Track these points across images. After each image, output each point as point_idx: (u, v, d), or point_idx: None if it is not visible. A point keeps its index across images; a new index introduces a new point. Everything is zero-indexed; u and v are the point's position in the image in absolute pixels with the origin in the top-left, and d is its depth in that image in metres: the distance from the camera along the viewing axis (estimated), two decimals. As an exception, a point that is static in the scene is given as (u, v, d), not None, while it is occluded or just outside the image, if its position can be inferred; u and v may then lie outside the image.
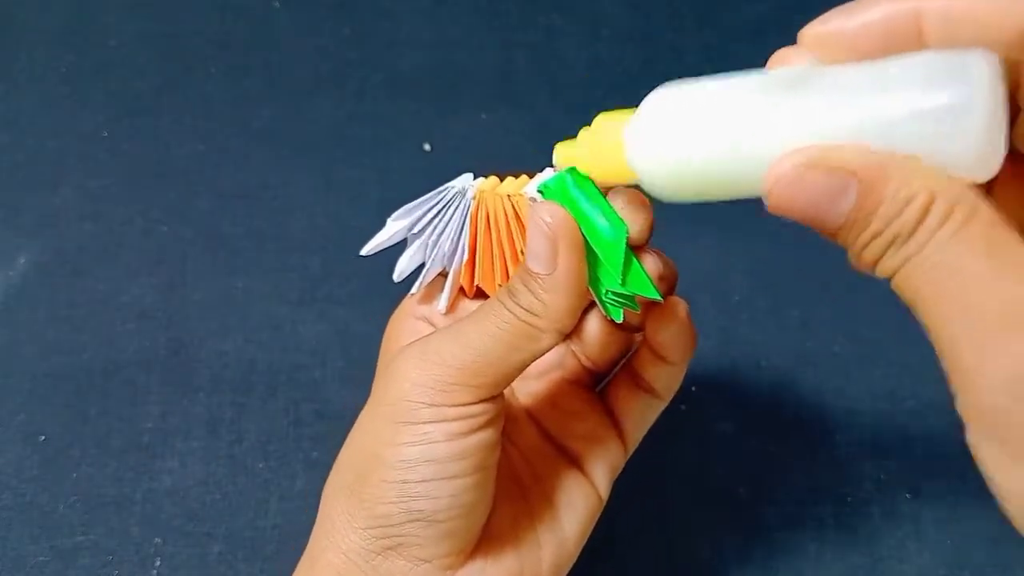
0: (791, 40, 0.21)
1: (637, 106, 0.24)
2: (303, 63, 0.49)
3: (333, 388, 0.41)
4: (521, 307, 0.25)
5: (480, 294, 0.30)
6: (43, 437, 0.39)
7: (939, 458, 0.40)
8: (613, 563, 0.38)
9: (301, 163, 0.46)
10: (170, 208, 0.44)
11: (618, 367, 0.32)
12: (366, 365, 0.41)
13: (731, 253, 0.45)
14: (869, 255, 0.20)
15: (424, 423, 0.25)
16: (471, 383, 0.25)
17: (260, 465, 0.39)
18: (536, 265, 0.24)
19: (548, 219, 0.24)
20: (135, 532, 0.38)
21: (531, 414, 0.31)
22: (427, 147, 0.47)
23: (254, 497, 0.39)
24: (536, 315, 0.25)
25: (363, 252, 0.30)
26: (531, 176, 0.27)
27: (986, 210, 0.19)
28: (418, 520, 0.25)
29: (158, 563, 0.37)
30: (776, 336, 0.43)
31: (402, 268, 0.30)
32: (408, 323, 0.30)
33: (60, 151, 0.46)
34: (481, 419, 0.25)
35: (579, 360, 0.32)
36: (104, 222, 0.44)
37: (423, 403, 0.25)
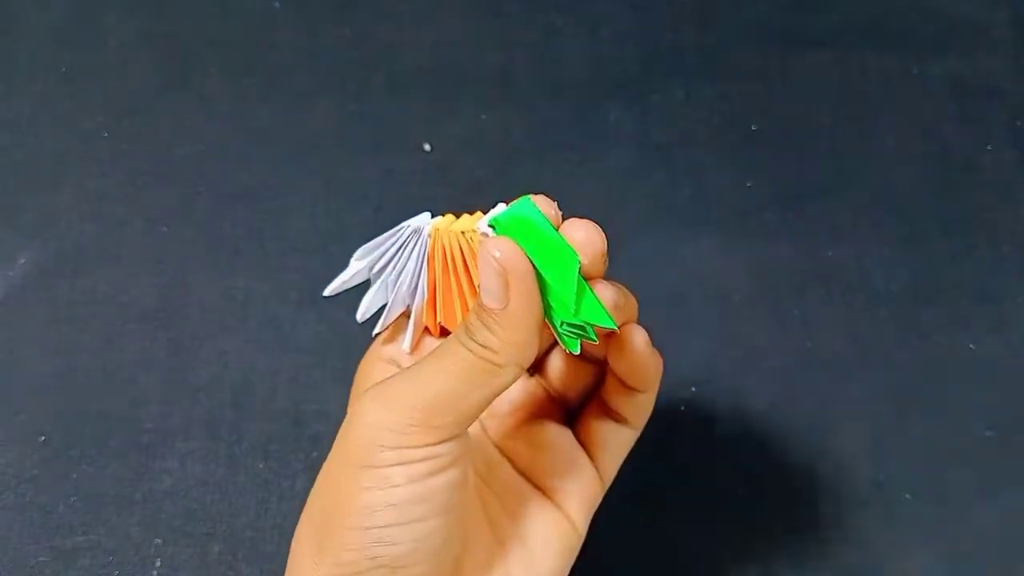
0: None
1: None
2: (303, 63, 0.49)
3: (333, 388, 0.41)
4: (477, 343, 0.25)
5: (445, 333, 0.30)
6: (43, 437, 0.39)
7: (939, 458, 0.40)
8: (612, 564, 0.38)
9: (301, 163, 0.46)
10: (170, 208, 0.44)
11: (589, 398, 0.32)
12: (366, 365, 0.41)
13: (731, 253, 0.45)
14: None
15: (385, 467, 0.24)
16: (432, 423, 0.24)
17: (260, 465, 0.39)
18: (489, 300, 0.24)
19: (497, 254, 0.24)
20: (135, 532, 0.38)
21: (503, 451, 0.31)
22: (427, 147, 0.47)
23: (254, 497, 0.39)
24: (493, 351, 0.25)
25: (326, 293, 0.29)
26: (484, 212, 0.27)
27: None
28: (382, 567, 0.24)
29: (158, 563, 0.37)
30: (776, 336, 0.43)
31: (365, 308, 0.30)
32: (377, 366, 0.30)
33: (60, 151, 0.46)
34: (444, 460, 0.25)
35: (548, 393, 0.32)
36: (104, 222, 0.44)
37: (384, 445, 0.24)
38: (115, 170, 0.45)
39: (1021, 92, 0.50)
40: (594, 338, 0.26)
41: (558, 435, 0.31)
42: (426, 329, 0.30)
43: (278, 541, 0.38)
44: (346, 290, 0.30)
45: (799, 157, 0.47)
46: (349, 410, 0.28)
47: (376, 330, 0.30)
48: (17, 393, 0.40)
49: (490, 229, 0.26)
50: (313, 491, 0.27)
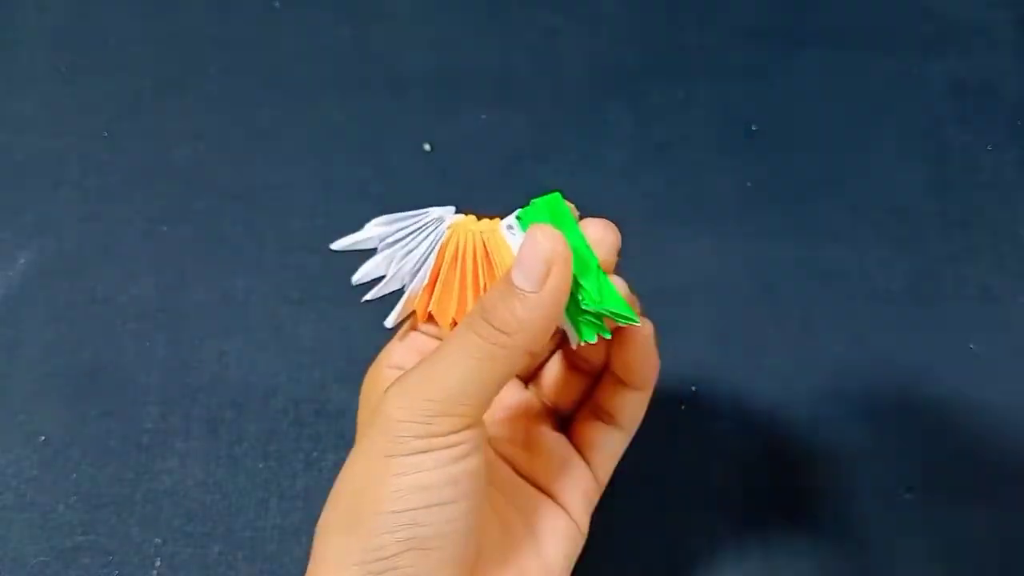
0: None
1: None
2: (303, 63, 0.49)
3: (333, 388, 0.41)
4: (493, 327, 0.25)
5: (431, 320, 0.31)
6: (43, 437, 0.39)
7: (939, 458, 0.40)
8: (611, 563, 0.38)
9: (301, 163, 0.46)
10: (170, 208, 0.44)
11: (580, 405, 0.33)
12: (366, 365, 0.41)
13: (731, 252, 0.45)
14: None
15: (413, 454, 0.25)
16: (453, 412, 0.25)
17: (260, 465, 0.39)
18: (525, 283, 0.25)
19: (546, 240, 0.25)
20: (135, 532, 0.38)
21: (503, 455, 0.32)
22: (427, 147, 0.47)
23: (254, 497, 0.39)
24: (508, 334, 0.25)
25: (333, 247, 0.30)
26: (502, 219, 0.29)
27: None
28: (413, 549, 0.25)
29: (158, 563, 0.37)
30: (776, 336, 0.43)
31: (363, 273, 0.30)
32: (384, 373, 0.31)
33: (60, 151, 0.46)
34: (468, 446, 0.26)
35: (542, 402, 0.33)
36: (104, 222, 0.44)
37: (411, 436, 0.25)
38: (115, 170, 0.45)
39: (1021, 92, 0.50)
40: (607, 334, 0.27)
41: (553, 439, 0.32)
42: (413, 313, 0.31)
43: (278, 541, 0.38)
44: (354, 251, 0.30)
45: (799, 157, 0.47)
46: (366, 416, 0.30)
47: (388, 323, 0.31)
48: (17, 393, 0.40)
49: (517, 222, 0.27)
50: (337, 485, 0.27)
